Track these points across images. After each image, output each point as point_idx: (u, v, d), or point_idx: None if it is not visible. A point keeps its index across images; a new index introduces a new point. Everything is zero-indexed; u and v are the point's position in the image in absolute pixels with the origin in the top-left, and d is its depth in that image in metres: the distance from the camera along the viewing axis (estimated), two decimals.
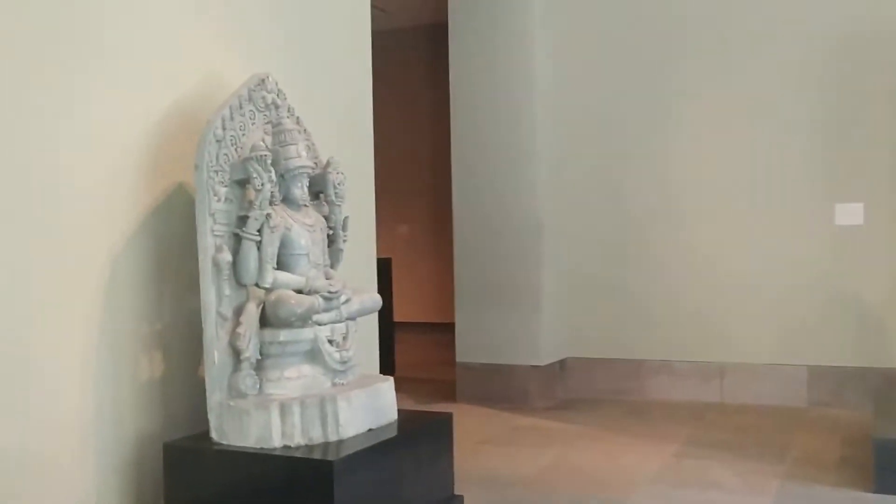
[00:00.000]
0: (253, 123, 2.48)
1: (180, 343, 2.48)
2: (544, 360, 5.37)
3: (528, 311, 5.33)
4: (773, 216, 5.17)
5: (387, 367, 6.61)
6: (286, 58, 3.02)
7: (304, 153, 2.47)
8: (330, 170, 2.61)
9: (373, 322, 3.67)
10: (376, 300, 2.59)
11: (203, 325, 2.29)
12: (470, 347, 5.49)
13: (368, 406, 2.39)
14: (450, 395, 5.57)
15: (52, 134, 2.17)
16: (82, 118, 2.25)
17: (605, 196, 5.57)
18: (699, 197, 5.35)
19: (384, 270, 6.59)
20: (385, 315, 6.66)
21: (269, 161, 2.33)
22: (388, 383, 2.51)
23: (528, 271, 5.34)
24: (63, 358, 2.18)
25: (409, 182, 8.93)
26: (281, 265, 2.43)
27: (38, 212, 2.13)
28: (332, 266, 2.62)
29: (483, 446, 4.31)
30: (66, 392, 2.18)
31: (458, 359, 5.54)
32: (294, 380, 2.32)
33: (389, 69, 8.94)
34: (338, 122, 3.39)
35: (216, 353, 2.28)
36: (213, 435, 2.27)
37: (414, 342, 8.00)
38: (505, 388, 5.36)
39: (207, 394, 2.28)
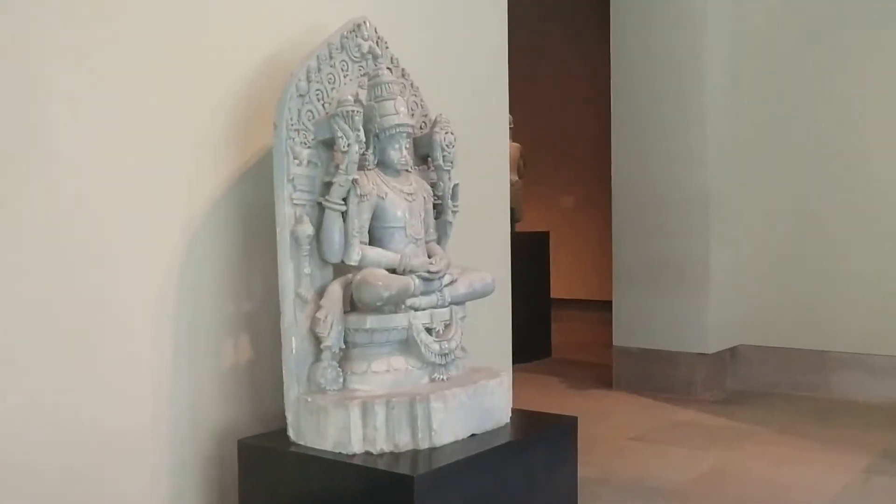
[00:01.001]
0: (346, 76, 2.15)
1: (270, 326, 2.21)
2: (712, 348, 4.79)
3: (694, 291, 4.76)
4: None
5: (543, 348, 6.26)
6: (409, 11, 2.67)
7: (402, 109, 2.11)
8: (437, 129, 2.24)
9: (504, 302, 3.28)
10: (487, 283, 2.20)
11: (281, 309, 2.00)
12: (629, 331, 5.00)
13: (471, 407, 2.02)
14: (606, 381, 5.11)
15: (131, 94, 1.94)
16: (163, 74, 2.01)
17: (784, 161, 4.88)
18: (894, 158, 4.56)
19: (541, 245, 6.20)
20: (541, 293, 6.29)
21: (358, 118, 1.99)
22: (499, 380, 2.13)
23: (694, 247, 4.76)
24: (136, 340, 1.96)
25: (575, 151, 8.44)
26: (374, 240, 2.09)
27: (119, 181, 1.91)
28: (439, 241, 2.26)
29: (634, 444, 3.84)
30: (140, 376, 1.96)
31: (616, 342, 5.05)
32: (382, 374, 1.99)
33: (551, 36, 8.48)
34: (469, 84, 3.02)
35: (294, 341, 1.98)
36: (291, 434, 1.98)
37: (574, 321, 7.55)
38: (666, 376, 4.83)
39: (285, 387, 1.99)
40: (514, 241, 6.20)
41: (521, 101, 8.38)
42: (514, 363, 5.89)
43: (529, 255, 6.08)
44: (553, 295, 7.62)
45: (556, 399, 4.81)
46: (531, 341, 6.03)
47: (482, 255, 3.21)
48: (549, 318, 6.23)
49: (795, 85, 4.85)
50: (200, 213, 2.09)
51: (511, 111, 8.03)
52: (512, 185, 6.22)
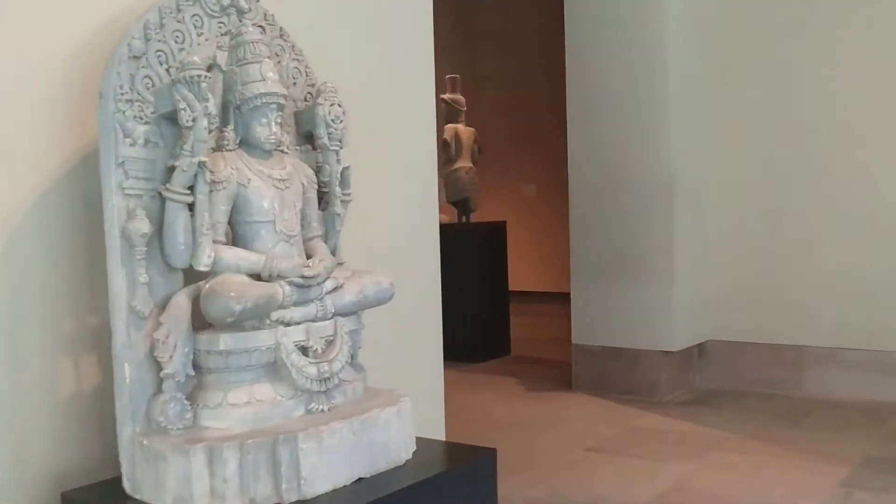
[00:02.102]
0: (200, 34, 1.73)
1: None
2: (677, 345, 4.42)
3: (659, 284, 4.39)
4: None
5: (501, 346, 5.88)
6: None
7: (271, 75, 1.69)
8: (321, 100, 1.83)
9: (434, 297, 2.89)
10: (383, 288, 1.79)
11: (111, 326, 1.58)
12: (588, 327, 4.62)
13: (357, 445, 1.61)
14: (567, 381, 4.74)
15: None
16: None
17: (755, 144, 4.51)
18: (880, 143, 4.19)
19: (498, 236, 5.81)
20: (499, 286, 5.90)
21: (205, 84, 1.57)
22: (396, 407, 1.72)
23: (657, 236, 4.38)
24: None
25: (538, 137, 8.04)
26: (236, 238, 1.68)
27: None
28: (328, 238, 1.85)
29: (590, 456, 3.46)
30: None
31: (575, 340, 4.67)
32: (241, 407, 1.57)
33: (511, 16, 8.06)
34: (392, 60, 2.62)
35: (128, 368, 1.56)
36: (125, 485, 1.57)
37: (536, 315, 7.17)
38: (629, 376, 4.46)
39: (118, 426, 1.58)
40: (468, 232, 5.83)
41: (482, 85, 8.02)
42: (471, 362, 5.53)
43: (486, 247, 5.69)
44: (514, 287, 7.23)
45: (510, 403, 4.43)
46: (488, 338, 5.66)
47: (409, 248, 2.80)
48: (508, 312, 5.85)
49: (766, 65, 4.48)
50: (27, 205, 1.67)
51: (469, 95, 7.63)
52: (466, 172, 5.83)
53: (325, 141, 1.83)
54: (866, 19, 4.20)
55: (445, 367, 5.43)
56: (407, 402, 1.77)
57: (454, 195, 5.72)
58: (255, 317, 1.57)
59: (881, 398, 4.16)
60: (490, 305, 5.67)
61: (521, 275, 7.40)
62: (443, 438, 2.85)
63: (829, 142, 4.30)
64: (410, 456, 1.75)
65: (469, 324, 5.56)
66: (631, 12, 4.39)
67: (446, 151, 5.70)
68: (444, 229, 6.00)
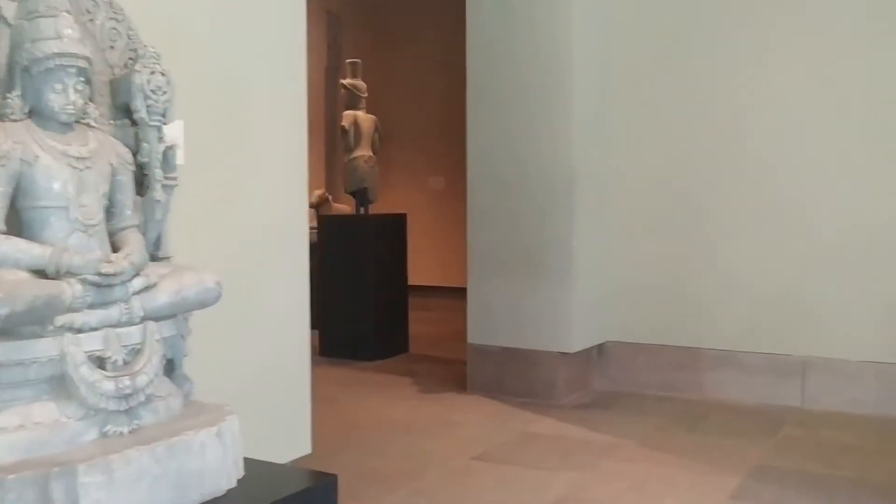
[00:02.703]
0: None
1: None
2: (576, 346, 4.27)
3: (558, 283, 4.22)
4: (883, 162, 3.92)
5: (399, 343, 5.64)
6: None
7: (69, 32, 1.42)
8: (140, 68, 1.56)
9: (300, 293, 2.64)
10: (206, 288, 1.53)
11: None
12: (484, 327, 4.42)
13: (162, 475, 1.36)
14: (463, 382, 4.53)
15: None
16: None
17: (661, 141, 4.39)
18: (782, 143, 4.12)
19: (397, 228, 5.57)
20: (397, 281, 5.65)
21: None
22: (216, 428, 1.47)
23: (556, 233, 4.22)
24: None
25: (448, 128, 7.83)
26: (23, 226, 1.41)
27: None
28: (147, 229, 1.58)
29: (476, 465, 3.25)
30: None
31: (470, 340, 4.48)
32: (13, 432, 1.30)
33: (415, 3, 7.82)
34: (256, 35, 2.37)
35: None
36: None
37: (440, 310, 6.97)
38: (526, 378, 4.29)
39: None
40: (366, 225, 5.57)
41: (390, 72, 7.78)
42: (366, 360, 5.29)
43: (385, 240, 5.45)
44: (417, 282, 7.03)
45: (401, 406, 4.20)
46: (386, 336, 5.42)
47: (271, 241, 2.55)
48: (406, 309, 5.62)
49: (674, 59, 4.35)
50: None
51: (379, 82, 7.36)
52: (365, 161, 5.58)
53: (144, 115, 1.56)
54: (775, 19, 4.12)
55: (339, 365, 5.20)
56: (232, 421, 1.52)
57: (352, 185, 5.46)
58: (34, 322, 1.30)
59: (776, 402, 4.09)
60: (388, 301, 5.43)
61: (426, 269, 7.20)
62: (307, 451, 2.61)
63: (736, 143, 4.20)
64: (234, 484, 1.51)
65: (365, 320, 5.33)
66: (534, 7, 4.21)
67: (345, 139, 5.43)
68: (341, 221, 5.78)
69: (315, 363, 5.32)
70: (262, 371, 2.46)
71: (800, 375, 4.07)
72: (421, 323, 6.46)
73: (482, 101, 4.39)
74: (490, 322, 4.40)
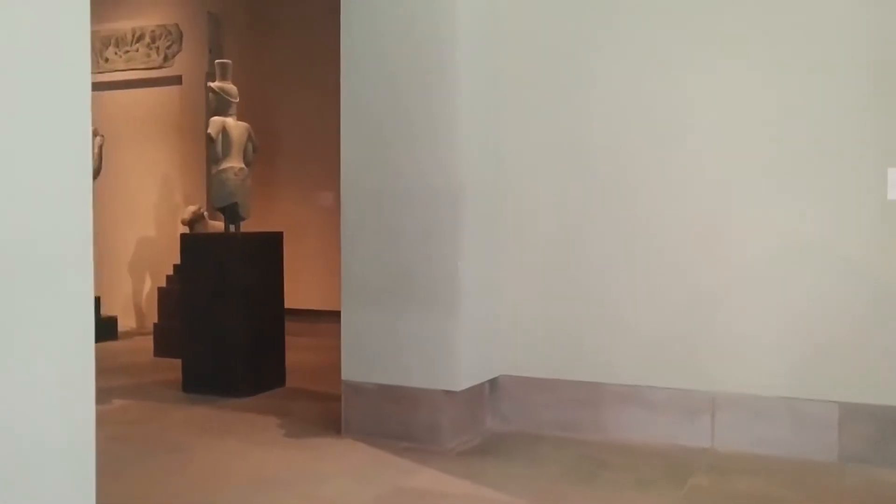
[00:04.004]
0: None
1: None
2: (463, 383, 3.78)
3: (441, 312, 3.73)
4: (798, 186, 3.57)
5: (274, 376, 5.02)
6: None
7: None
8: None
9: (81, 345, 2.05)
10: None
11: None
12: (360, 362, 3.90)
13: None
14: (339, 422, 3.98)
15: None
16: None
17: (561, 152, 3.96)
18: (694, 158, 3.74)
19: (271, 249, 5.00)
20: (272, 307, 5.05)
21: None
22: None
23: (439, 255, 3.73)
24: None
25: (338, 138, 7.29)
26: None
27: None
28: None
29: None
30: None
31: (345, 376, 3.94)
32: None
33: (301, 5, 7.25)
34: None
35: None
36: None
37: (323, 335, 6.37)
38: (407, 420, 3.78)
39: None
40: (235, 245, 4.97)
41: (277, 76, 7.17)
42: (235, 396, 4.68)
43: (256, 262, 4.87)
44: (306, 306, 6.47)
45: (259, 455, 3.63)
46: (257, 368, 4.83)
47: (37, 273, 1.95)
48: (282, 337, 5.04)
49: (567, 66, 3.93)
50: None
51: (259, 86, 6.77)
52: (235, 173, 4.99)
53: None
54: (685, 24, 3.74)
55: (201, 403, 4.57)
56: None
57: (219, 200, 4.87)
58: None
59: (684, 442, 3.68)
60: (260, 330, 4.85)
61: (313, 291, 6.63)
62: None
63: (638, 163, 3.80)
64: None
65: (233, 352, 4.73)
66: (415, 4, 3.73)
67: (212, 149, 4.84)
68: (204, 240, 5.16)
69: (174, 401, 4.72)
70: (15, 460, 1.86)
71: (709, 413, 3.67)
72: (305, 351, 5.90)
73: (356, 104, 3.88)
74: (366, 356, 3.87)
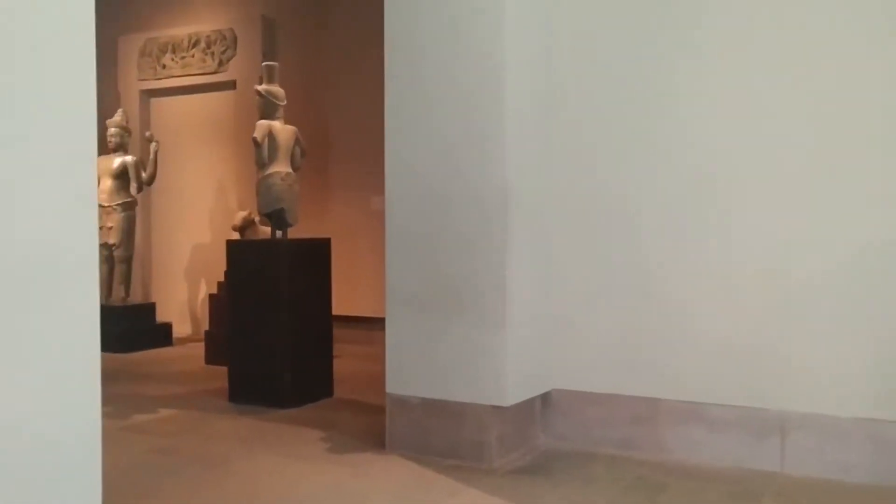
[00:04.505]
0: None
1: None
2: (511, 398, 3.57)
3: (488, 322, 3.53)
4: (888, 192, 3.26)
5: (322, 386, 4.89)
6: None
7: None
8: None
9: (87, 356, 1.92)
10: None
11: None
12: (405, 374, 3.72)
13: None
14: (383, 437, 3.81)
15: None
16: None
17: (611, 155, 3.72)
18: (755, 169, 3.46)
19: (318, 255, 4.86)
20: (320, 315, 4.84)
21: None
22: None
23: (487, 263, 3.53)
24: None
25: None
26: None
27: None
28: None
29: None
30: None
31: (389, 389, 3.77)
32: None
33: (355, 7, 7.12)
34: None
35: None
36: None
37: (373, 343, 6.22)
38: (453, 436, 3.59)
39: None
40: (281, 251, 4.84)
41: (331, 80, 7.06)
42: (282, 407, 4.55)
43: (304, 268, 4.74)
44: (360, 313, 6.34)
45: (298, 471, 3.48)
46: (304, 378, 4.70)
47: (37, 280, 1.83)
48: (330, 346, 4.90)
49: (624, 58, 3.70)
50: None
51: (312, 90, 6.67)
52: (282, 178, 4.87)
53: None
54: (736, 32, 3.47)
55: (247, 414, 4.46)
56: None
57: (266, 205, 4.75)
58: None
59: (751, 465, 3.41)
60: (307, 339, 4.72)
61: (366, 297, 6.49)
62: None
63: (702, 166, 3.55)
64: None
65: (279, 361, 4.60)
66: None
67: (258, 153, 4.73)
68: (251, 247, 5.05)
69: (219, 411, 4.62)
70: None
71: (778, 434, 3.39)
72: (357, 360, 5.77)
73: (402, 105, 3.72)
74: (410, 368, 3.70)
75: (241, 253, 4.76)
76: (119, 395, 4.94)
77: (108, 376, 5.56)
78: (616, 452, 3.65)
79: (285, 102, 4.88)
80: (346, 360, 6.00)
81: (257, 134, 4.68)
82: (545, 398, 3.84)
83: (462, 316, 3.56)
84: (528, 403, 3.73)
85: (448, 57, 3.59)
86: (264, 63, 4.95)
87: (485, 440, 3.53)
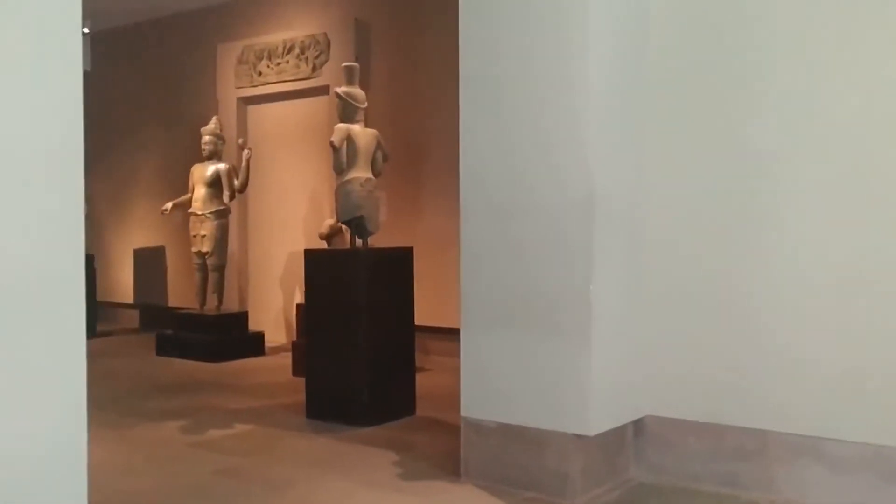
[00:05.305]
0: None
1: None
2: (596, 426, 3.20)
3: (570, 341, 3.17)
4: None
5: (403, 403, 4.63)
6: None
7: None
8: None
9: (72, 391, 1.71)
10: None
11: None
12: (481, 397, 3.42)
13: None
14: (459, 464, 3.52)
15: None
16: None
17: (715, 156, 3.31)
18: (884, 166, 2.98)
19: (400, 265, 4.61)
20: (401, 328, 4.54)
21: None
22: None
23: (570, 275, 3.18)
24: None
25: None
26: None
27: None
28: None
29: None
30: None
31: (464, 412, 3.47)
32: None
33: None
34: None
35: None
36: None
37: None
38: (533, 466, 3.25)
39: None
40: (359, 261, 4.60)
41: (425, 83, 6.82)
42: (360, 425, 4.30)
43: (384, 279, 4.50)
44: (450, 324, 6.05)
45: (363, 499, 3.22)
46: (384, 394, 4.45)
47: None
48: (412, 361, 4.64)
49: (730, 45, 3.28)
50: None
51: (406, 94, 6.44)
52: (361, 184, 4.64)
53: None
54: (845, 32, 3.01)
55: (324, 433, 4.24)
56: None
57: (344, 213, 4.54)
58: None
59: None
60: (387, 353, 4.47)
61: (456, 308, 6.19)
62: None
63: (820, 162, 3.09)
64: None
65: (357, 376, 4.37)
66: None
67: (335, 158, 4.52)
68: (328, 257, 4.85)
69: (294, 428, 4.42)
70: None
71: None
72: (446, 374, 5.49)
73: (477, 104, 3.41)
74: (487, 390, 3.39)
75: (318, 263, 4.56)
76: (198, 408, 4.83)
77: (193, 387, 5.52)
78: (720, 490, 3.23)
79: (366, 105, 4.66)
80: (435, 373, 5.74)
81: (335, 138, 4.47)
82: (638, 426, 3.45)
83: (542, 333, 3.22)
84: (618, 432, 3.35)
85: (524, 49, 3.26)
86: (344, 64, 4.75)
87: (567, 472, 3.17)
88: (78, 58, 1.65)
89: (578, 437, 3.16)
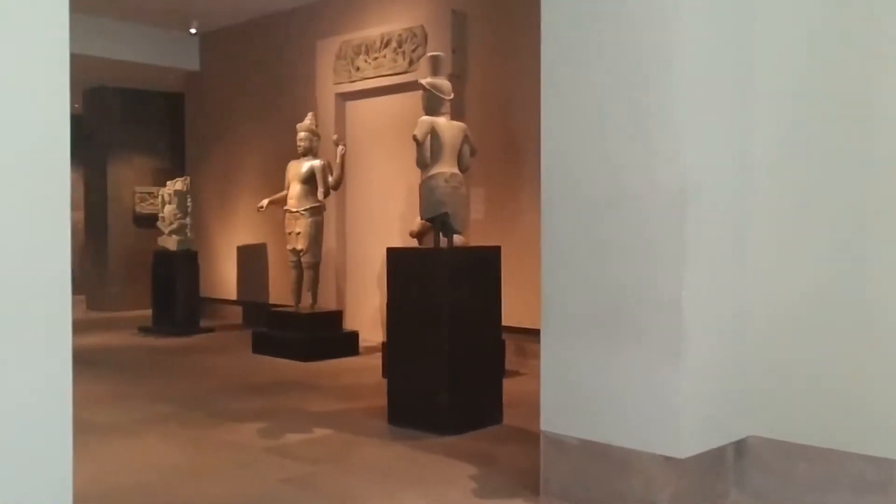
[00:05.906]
0: None
1: None
2: (688, 448, 2.87)
3: (659, 352, 2.85)
4: None
5: (490, 411, 4.38)
6: None
7: None
8: None
9: (58, 403, 1.56)
10: None
11: None
12: (562, 410, 3.14)
13: None
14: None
15: None
16: None
17: (826, 144, 2.91)
18: None
19: (488, 265, 4.37)
20: (487, 331, 4.29)
21: None
22: None
23: (660, 279, 2.85)
24: None
25: None
26: None
27: None
28: None
29: None
30: None
31: (544, 426, 3.19)
32: None
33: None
34: None
35: None
36: None
37: None
38: (617, 486, 2.95)
39: None
40: (443, 261, 4.37)
41: (523, 77, 6.49)
42: (444, 433, 4.07)
43: (470, 279, 4.27)
44: (529, 325, 5.77)
45: None
46: (467, 401, 4.22)
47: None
48: (500, 366, 4.38)
49: (844, 40, 2.88)
50: None
51: (504, 88, 6.18)
52: (446, 180, 4.42)
53: None
54: None
55: (404, 440, 4.05)
56: None
57: (428, 210, 4.34)
58: None
59: None
60: (472, 358, 4.23)
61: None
62: None
63: None
64: None
65: (442, 381, 4.15)
66: None
67: (419, 152, 4.32)
68: (411, 256, 4.63)
69: (373, 435, 4.23)
70: None
71: None
72: (529, 380, 5.20)
73: (560, 90, 3.13)
74: (569, 403, 3.10)
75: (400, 262, 4.36)
76: (281, 409, 4.72)
77: (281, 387, 5.43)
78: None
79: (451, 96, 4.43)
80: (530, 378, 5.45)
81: (418, 132, 4.27)
82: (739, 447, 3.09)
83: (629, 341, 2.91)
84: (715, 454, 3.00)
85: (613, 26, 2.95)
86: (430, 54, 4.55)
87: (655, 498, 2.85)
88: (65, 59, 1.50)
89: (668, 458, 2.83)
